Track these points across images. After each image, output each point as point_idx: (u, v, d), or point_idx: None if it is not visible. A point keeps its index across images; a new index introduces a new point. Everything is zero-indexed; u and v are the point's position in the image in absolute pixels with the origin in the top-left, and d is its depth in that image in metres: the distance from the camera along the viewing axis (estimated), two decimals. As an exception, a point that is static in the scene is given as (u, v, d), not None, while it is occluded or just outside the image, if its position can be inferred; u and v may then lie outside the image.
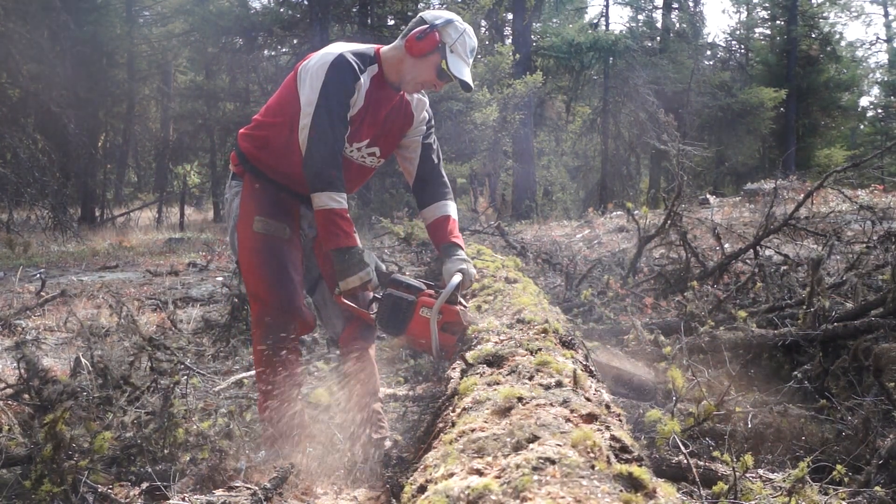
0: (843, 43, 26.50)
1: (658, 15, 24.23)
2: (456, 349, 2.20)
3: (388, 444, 2.57)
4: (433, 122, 2.66)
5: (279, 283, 2.41)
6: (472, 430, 1.33)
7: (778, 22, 24.99)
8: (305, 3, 16.09)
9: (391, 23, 16.79)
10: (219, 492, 2.08)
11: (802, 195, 5.13)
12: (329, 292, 2.61)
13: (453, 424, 1.47)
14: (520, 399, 1.43)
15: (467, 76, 2.34)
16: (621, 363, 2.75)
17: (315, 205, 2.27)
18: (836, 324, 3.18)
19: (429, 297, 2.22)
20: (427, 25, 2.33)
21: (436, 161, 2.63)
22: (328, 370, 3.56)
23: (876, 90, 30.33)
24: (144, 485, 2.16)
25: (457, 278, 2.27)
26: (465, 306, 2.28)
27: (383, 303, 2.25)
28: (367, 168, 2.56)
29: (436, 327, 2.16)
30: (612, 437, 1.27)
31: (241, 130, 2.55)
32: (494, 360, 1.83)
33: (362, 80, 2.33)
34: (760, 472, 2.25)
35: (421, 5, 16.61)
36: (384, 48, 2.45)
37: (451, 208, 2.60)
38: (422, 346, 2.26)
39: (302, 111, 2.29)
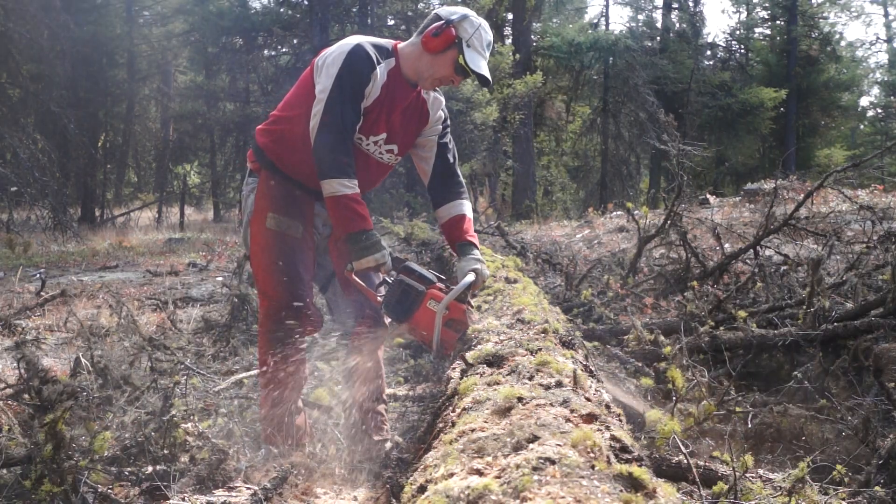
0: (843, 43, 26.48)
1: (658, 15, 24.23)
2: (455, 347, 2.20)
3: (388, 446, 2.57)
4: (449, 121, 2.65)
5: (288, 281, 2.40)
6: (472, 430, 1.33)
7: (778, 22, 24.96)
8: (305, 3, 16.10)
9: (391, 23, 16.79)
10: (219, 492, 2.08)
11: (802, 195, 5.12)
12: (342, 290, 2.61)
13: (453, 424, 1.47)
14: (520, 399, 1.43)
15: (485, 70, 2.34)
16: (616, 391, 2.75)
17: (325, 192, 2.25)
18: (836, 324, 3.18)
19: (438, 290, 2.21)
20: (443, 21, 2.32)
21: (451, 160, 2.62)
22: (329, 370, 3.56)
23: (876, 90, 30.32)
24: (144, 485, 2.16)
25: (470, 277, 2.27)
26: (471, 307, 2.27)
27: (393, 287, 2.24)
28: (384, 165, 2.55)
29: (440, 322, 2.15)
30: (612, 437, 1.27)
31: (259, 127, 2.55)
32: (494, 360, 1.83)
33: (378, 70, 2.32)
34: (760, 472, 2.25)
35: (420, 5, 16.60)
36: (401, 44, 2.44)
37: (467, 207, 2.59)
38: (422, 337, 2.25)
39: (316, 98, 2.28)
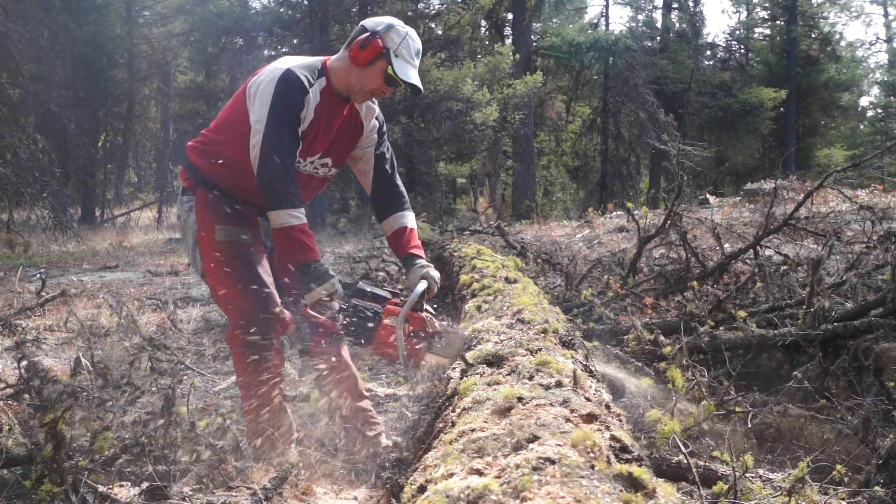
0: (843, 43, 26.49)
1: (658, 15, 24.24)
2: (423, 356, 2.21)
3: (383, 439, 2.56)
4: (385, 128, 2.63)
5: (252, 288, 2.37)
6: (472, 430, 1.33)
7: (778, 22, 24.97)
8: (305, 3, 16.10)
9: (391, 23, 16.75)
10: (219, 492, 2.08)
11: (802, 195, 5.12)
12: (293, 301, 2.59)
13: (453, 424, 1.47)
14: (520, 399, 1.43)
15: (415, 79, 2.33)
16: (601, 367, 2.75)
17: (273, 223, 2.24)
18: (836, 324, 3.18)
19: (394, 305, 2.23)
20: (369, 33, 2.31)
21: (390, 171, 2.61)
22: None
23: (876, 90, 30.31)
24: (144, 485, 2.16)
25: (422, 285, 2.27)
26: (432, 313, 2.28)
27: (348, 313, 2.25)
28: (320, 178, 2.55)
29: (402, 335, 2.17)
30: (612, 437, 1.27)
31: (190, 143, 2.52)
32: (494, 360, 1.83)
33: (311, 93, 2.31)
34: (760, 472, 2.25)
35: (420, 5, 16.60)
36: (331, 60, 2.43)
37: (408, 218, 2.58)
38: (389, 355, 2.27)
39: (252, 129, 2.26)
